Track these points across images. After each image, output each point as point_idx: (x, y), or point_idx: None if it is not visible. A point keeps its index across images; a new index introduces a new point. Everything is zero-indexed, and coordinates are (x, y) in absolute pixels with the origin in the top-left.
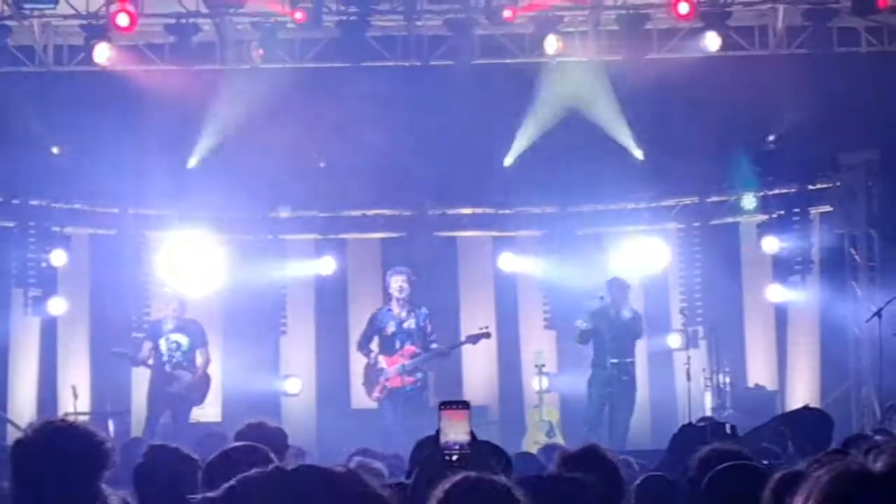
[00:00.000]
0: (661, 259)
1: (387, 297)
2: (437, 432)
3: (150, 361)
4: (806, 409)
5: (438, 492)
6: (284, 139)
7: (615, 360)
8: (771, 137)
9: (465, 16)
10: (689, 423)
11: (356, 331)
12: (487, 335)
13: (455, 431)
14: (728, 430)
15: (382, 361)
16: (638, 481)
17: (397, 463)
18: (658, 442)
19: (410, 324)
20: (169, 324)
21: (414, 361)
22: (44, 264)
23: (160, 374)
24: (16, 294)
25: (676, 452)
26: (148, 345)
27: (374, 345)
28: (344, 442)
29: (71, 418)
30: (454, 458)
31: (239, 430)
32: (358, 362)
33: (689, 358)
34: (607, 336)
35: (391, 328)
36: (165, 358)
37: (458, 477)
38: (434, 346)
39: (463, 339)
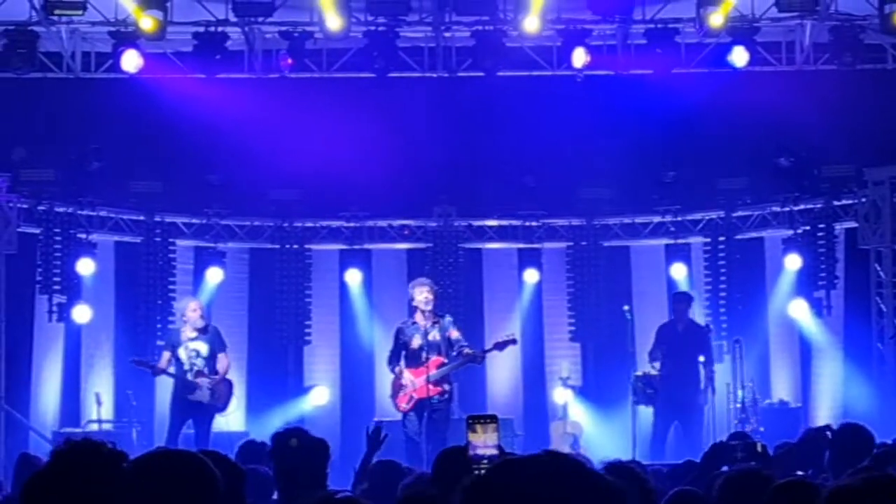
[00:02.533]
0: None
1: (411, 309)
2: (466, 445)
3: (171, 370)
4: (844, 425)
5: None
6: (311, 149)
7: (639, 374)
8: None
9: (493, 28)
10: (722, 442)
11: (380, 341)
12: (514, 341)
13: (483, 445)
14: (759, 448)
15: (409, 374)
16: (669, 496)
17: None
18: (681, 455)
19: (435, 335)
20: (187, 332)
21: (442, 370)
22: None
23: (181, 382)
24: (41, 301)
25: (708, 470)
26: (167, 354)
27: (402, 359)
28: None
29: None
30: (482, 471)
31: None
32: (382, 373)
33: (713, 373)
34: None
35: (417, 341)
36: (186, 367)
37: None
38: (466, 350)
39: (490, 346)
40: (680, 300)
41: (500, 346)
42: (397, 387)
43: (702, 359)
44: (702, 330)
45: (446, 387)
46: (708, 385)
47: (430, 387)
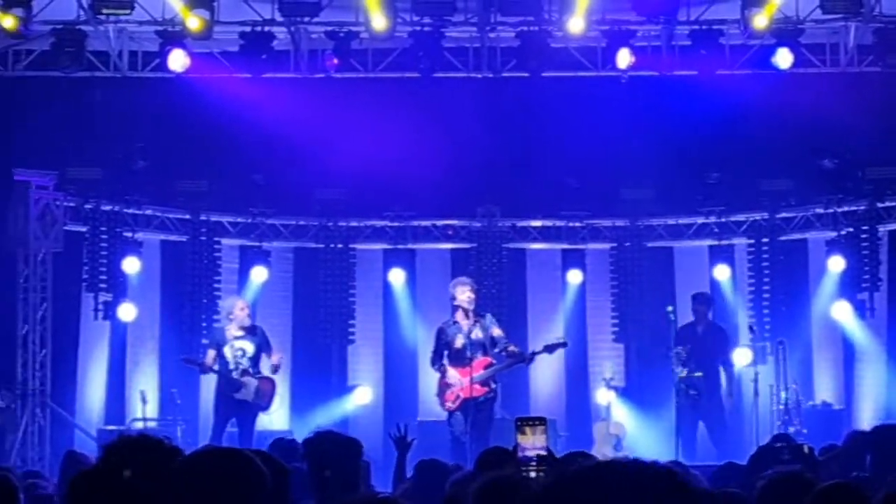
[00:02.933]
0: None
1: (453, 308)
2: (515, 447)
3: (216, 368)
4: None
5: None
6: (355, 148)
7: (683, 375)
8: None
9: (537, 28)
10: (768, 445)
11: (424, 341)
12: (564, 344)
13: (532, 446)
14: (805, 450)
15: (455, 373)
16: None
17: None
18: (724, 457)
19: (478, 333)
20: (233, 330)
21: (489, 371)
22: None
23: (226, 380)
24: (86, 299)
25: (755, 472)
26: (212, 353)
27: (445, 358)
28: (412, 453)
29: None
30: (531, 472)
31: (307, 437)
32: (426, 373)
33: (756, 374)
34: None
35: (460, 340)
36: (231, 365)
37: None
38: (511, 347)
39: (540, 348)
40: (699, 301)
41: (551, 348)
42: (443, 386)
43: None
44: (722, 331)
45: (492, 385)
46: (730, 386)
47: (477, 386)
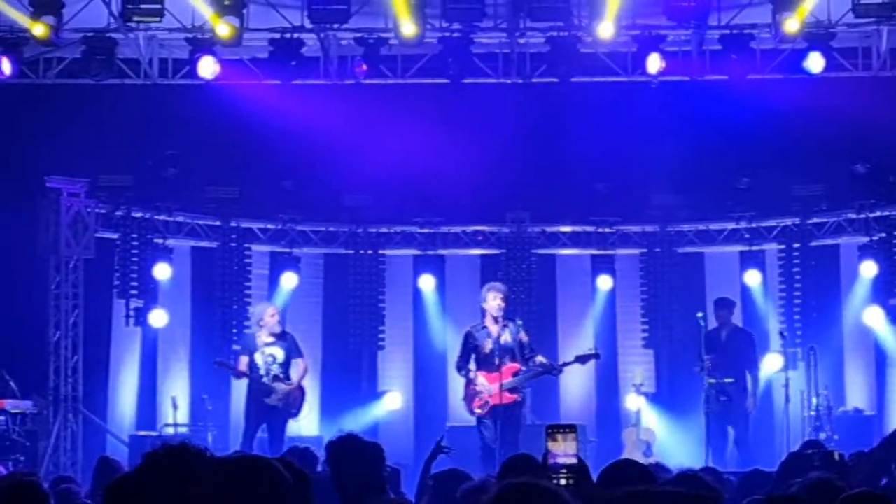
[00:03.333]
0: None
1: (482, 312)
2: (545, 454)
3: (249, 374)
4: None
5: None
6: (385, 155)
7: (712, 381)
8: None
9: (567, 34)
10: (798, 451)
11: (453, 347)
12: (597, 356)
13: (563, 454)
14: (836, 457)
15: (483, 379)
16: None
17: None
18: (746, 463)
19: (507, 338)
20: (264, 337)
21: (518, 378)
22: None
23: (257, 386)
24: (118, 305)
25: (785, 480)
26: (245, 359)
27: (472, 363)
28: (441, 459)
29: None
30: (562, 480)
31: (330, 440)
32: (456, 379)
33: (787, 380)
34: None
35: (489, 346)
36: (262, 371)
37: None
38: (539, 358)
39: (572, 359)
40: (722, 306)
41: (583, 359)
42: (471, 391)
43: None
44: (747, 335)
45: (521, 391)
46: (755, 390)
47: (506, 393)
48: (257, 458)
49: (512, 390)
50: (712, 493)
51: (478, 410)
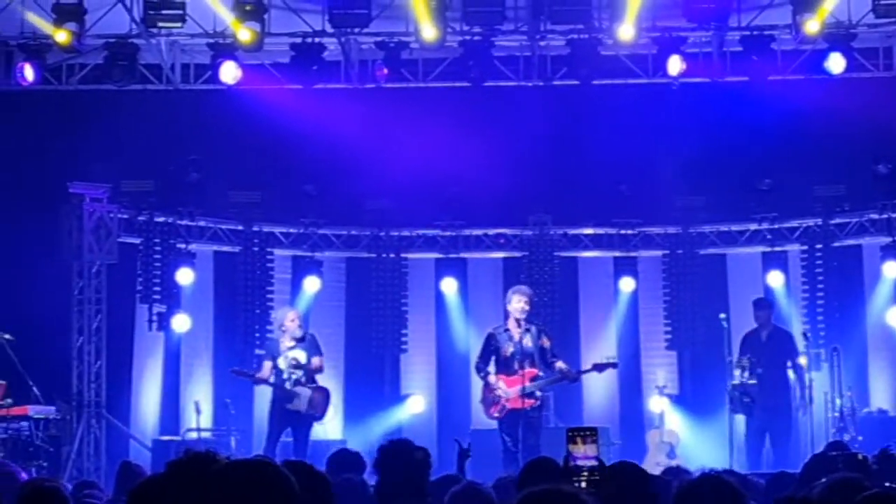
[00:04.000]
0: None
1: (505, 314)
2: (566, 457)
3: (272, 380)
4: None
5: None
6: (406, 158)
7: (736, 382)
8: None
9: (587, 36)
10: (821, 453)
11: (476, 350)
12: (615, 365)
13: (584, 456)
14: (860, 459)
15: (502, 382)
16: None
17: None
18: (779, 464)
19: (528, 342)
20: (286, 342)
21: (537, 384)
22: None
23: (281, 391)
24: (141, 310)
25: (808, 482)
26: (268, 364)
27: (492, 365)
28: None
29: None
30: (582, 482)
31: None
32: (479, 382)
33: (811, 381)
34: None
35: (510, 348)
36: (286, 376)
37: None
38: (559, 364)
39: (589, 366)
40: (761, 307)
41: (600, 367)
42: (489, 394)
43: (789, 364)
44: (787, 335)
45: (538, 396)
46: (802, 390)
47: (525, 399)
48: (260, 461)
49: (529, 395)
50: (736, 495)
51: (496, 414)
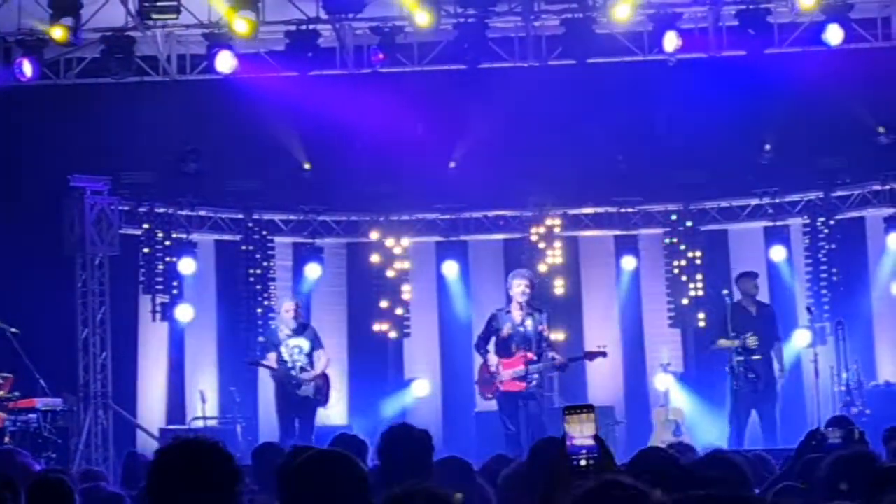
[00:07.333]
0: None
1: (508, 298)
2: (563, 437)
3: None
4: None
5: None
6: (404, 142)
7: (740, 359)
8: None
9: (582, 15)
10: (818, 428)
11: (479, 332)
12: (604, 354)
13: (581, 436)
14: (856, 436)
15: (498, 363)
16: (766, 484)
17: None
18: (786, 439)
19: (528, 327)
20: (285, 329)
21: (531, 367)
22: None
23: (287, 379)
24: (144, 301)
25: (803, 456)
26: (273, 355)
27: (491, 345)
28: (469, 445)
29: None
30: (581, 462)
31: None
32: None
33: (816, 355)
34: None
35: (508, 330)
36: (290, 364)
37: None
38: (551, 354)
39: (579, 355)
40: (752, 277)
41: (590, 356)
42: (485, 376)
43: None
44: (772, 309)
45: (532, 380)
46: (780, 364)
47: (517, 381)
48: (335, 453)
49: (521, 378)
50: (739, 473)
51: (488, 395)
